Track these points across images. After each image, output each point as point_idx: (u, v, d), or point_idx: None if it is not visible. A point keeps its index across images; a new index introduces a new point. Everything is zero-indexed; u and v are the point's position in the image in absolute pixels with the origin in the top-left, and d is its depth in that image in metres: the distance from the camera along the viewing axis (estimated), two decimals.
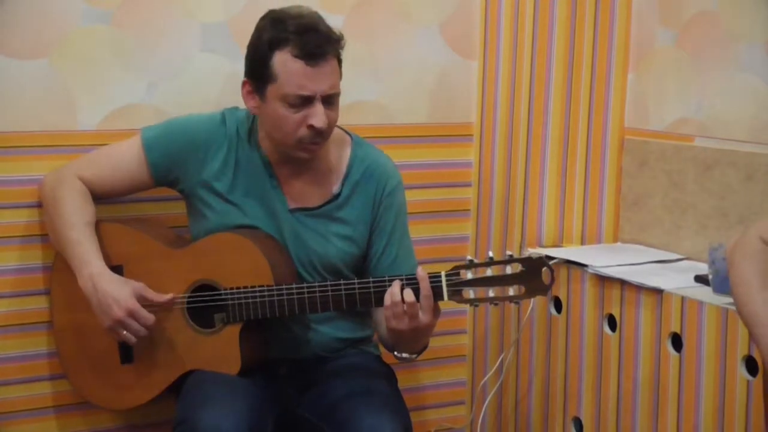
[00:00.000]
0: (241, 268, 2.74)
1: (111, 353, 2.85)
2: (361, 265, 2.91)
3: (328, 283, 2.72)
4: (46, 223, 2.91)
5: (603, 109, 3.42)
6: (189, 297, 2.78)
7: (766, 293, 2.31)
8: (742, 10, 3.11)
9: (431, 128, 3.44)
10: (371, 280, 2.69)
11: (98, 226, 2.84)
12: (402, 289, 2.63)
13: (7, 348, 2.99)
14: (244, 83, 2.78)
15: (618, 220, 3.47)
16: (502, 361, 3.43)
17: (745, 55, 3.10)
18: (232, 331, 2.75)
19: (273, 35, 2.70)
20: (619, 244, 3.45)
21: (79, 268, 2.76)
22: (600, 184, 3.45)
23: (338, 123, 2.81)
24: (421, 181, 3.42)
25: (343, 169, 2.88)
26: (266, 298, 2.72)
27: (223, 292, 2.75)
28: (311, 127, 2.71)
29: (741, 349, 2.71)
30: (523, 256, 2.65)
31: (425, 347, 2.82)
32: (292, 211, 2.85)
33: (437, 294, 2.64)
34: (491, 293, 2.63)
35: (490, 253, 2.67)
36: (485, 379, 3.47)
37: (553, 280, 2.64)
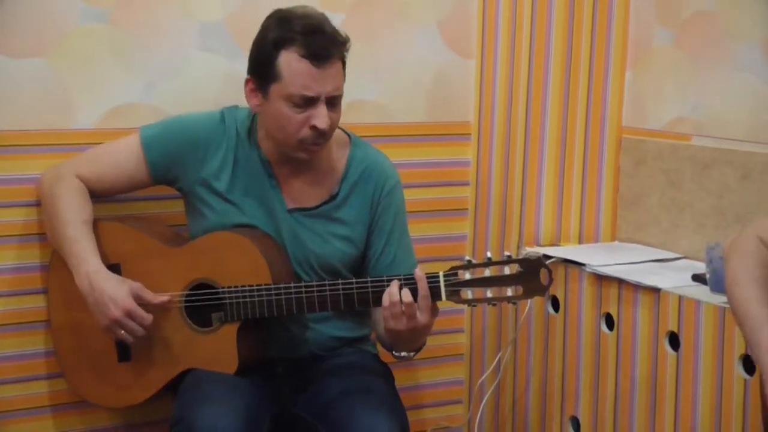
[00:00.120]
0: (240, 267, 2.74)
1: (108, 352, 2.85)
2: (359, 266, 2.91)
3: (326, 282, 2.72)
4: (44, 221, 2.91)
5: (600, 108, 3.42)
6: (187, 296, 2.78)
7: (760, 291, 2.31)
8: (740, 10, 3.11)
9: (429, 127, 3.44)
10: (369, 279, 2.69)
11: (96, 224, 2.84)
12: (400, 290, 2.63)
13: (4, 347, 2.99)
14: (247, 81, 2.77)
15: (615, 219, 3.47)
16: (499, 360, 3.43)
17: (742, 54, 3.10)
18: (230, 330, 2.75)
19: (279, 34, 2.70)
20: (616, 243, 3.45)
21: (76, 267, 2.76)
22: (597, 183, 3.45)
23: None
24: (419, 180, 3.42)
25: (342, 169, 2.88)
26: (264, 298, 2.72)
27: (220, 291, 2.75)
28: (314, 127, 2.71)
29: (738, 348, 2.72)
30: (521, 257, 2.65)
31: (423, 345, 2.82)
32: (291, 211, 2.85)
33: (435, 294, 2.64)
34: (489, 294, 2.64)
35: (488, 254, 2.67)
36: (482, 378, 3.47)
37: (551, 280, 2.65)
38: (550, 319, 3.27)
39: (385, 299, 2.64)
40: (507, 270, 2.63)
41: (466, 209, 3.54)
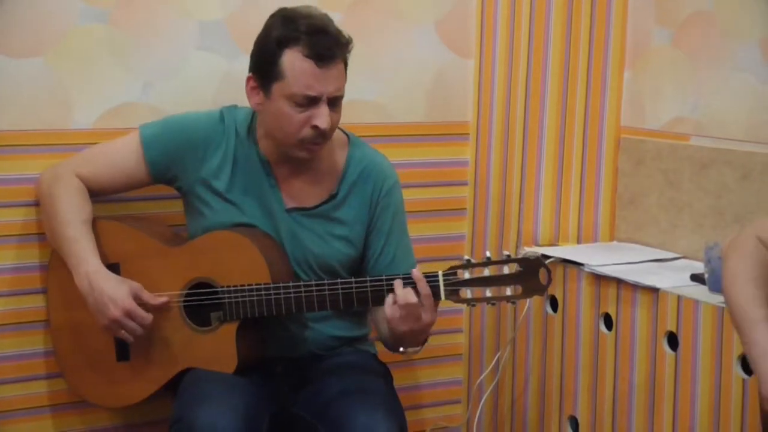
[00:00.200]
0: (239, 266, 2.74)
1: (107, 351, 2.85)
2: (358, 267, 2.91)
3: (326, 282, 2.72)
4: (43, 221, 2.91)
5: (599, 108, 3.42)
6: (186, 295, 2.78)
7: (757, 290, 2.31)
8: (738, 10, 3.12)
9: (428, 127, 3.44)
10: (368, 279, 2.69)
11: (95, 223, 2.84)
12: (402, 291, 2.64)
13: (3, 347, 2.99)
14: (248, 79, 2.77)
15: (614, 219, 3.47)
16: (498, 360, 3.43)
17: (741, 54, 3.11)
18: (229, 330, 2.75)
19: (283, 33, 2.70)
20: (615, 243, 3.46)
21: (76, 266, 2.76)
22: (596, 182, 3.45)
23: None
24: (418, 179, 3.42)
25: (341, 169, 2.88)
26: (263, 297, 2.72)
27: (220, 290, 2.75)
28: (315, 127, 2.71)
29: (737, 348, 2.72)
30: (520, 256, 2.66)
31: (428, 338, 2.82)
32: (289, 210, 2.85)
33: (434, 294, 2.65)
34: (488, 293, 2.64)
35: (488, 253, 2.67)
36: (481, 378, 3.47)
37: (550, 280, 2.65)
38: (549, 319, 3.27)
39: (391, 302, 2.64)
40: (506, 269, 2.63)
41: (465, 209, 3.54)
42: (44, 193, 2.87)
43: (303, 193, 2.86)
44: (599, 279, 3.09)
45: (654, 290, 2.94)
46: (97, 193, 2.89)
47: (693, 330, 2.83)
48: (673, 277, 3.00)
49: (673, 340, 2.90)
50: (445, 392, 3.59)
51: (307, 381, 2.84)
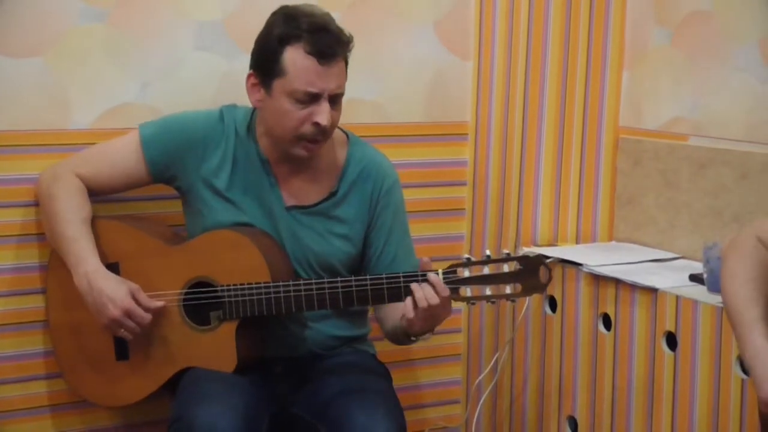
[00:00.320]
0: (238, 265, 2.74)
1: (107, 350, 2.85)
2: (358, 265, 2.92)
3: (326, 280, 2.72)
4: (43, 221, 2.91)
5: (598, 108, 3.43)
6: (185, 294, 2.78)
7: (755, 291, 2.31)
8: (737, 10, 3.12)
9: (426, 127, 3.45)
10: (368, 277, 2.70)
11: (94, 222, 2.84)
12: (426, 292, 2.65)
13: (3, 347, 2.99)
14: (249, 76, 2.78)
15: (612, 219, 3.48)
16: (497, 360, 3.43)
17: (739, 54, 3.11)
18: (229, 329, 2.75)
19: (285, 31, 2.71)
20: (613, 243, 3.46)
21: (75, 266, 2.76)
22: (595, 183, 3.46)
23: None
24: (417, 180, 3.42)
25: (341, 167, 2.88)
26: (263, 296, 2.72)
27: (219, 289, 2.75)
28: (316, 124, 2.72)
29: (735, 348, 2.71)
30: (519, 255, 2.66)
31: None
32: (289, 209, 2.86)
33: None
34: (488, 291, 2.64)
35: (487, 252, 2.67)
36: (480, 378, 3.47)
37: (550, 278, 2.65)
38: (548, 319, 3.27)
39: (411, 307, 2.64)
40: (506, 268, 2.64)
41: (464, 209, 3.54)
42: (43, 193, 2.88)
43: (303, 191, 2.86)
44: (598, 279, 3.09)
45: (653, 290, 2.94)
46: (97, 193, 2.89)
47: (692, 330, 2.83)
48: (671, 277, 3.00)
49: (671, 341, 2.90)
50: (444, 392, 3.59)
51: (306, 381, 2.84)
